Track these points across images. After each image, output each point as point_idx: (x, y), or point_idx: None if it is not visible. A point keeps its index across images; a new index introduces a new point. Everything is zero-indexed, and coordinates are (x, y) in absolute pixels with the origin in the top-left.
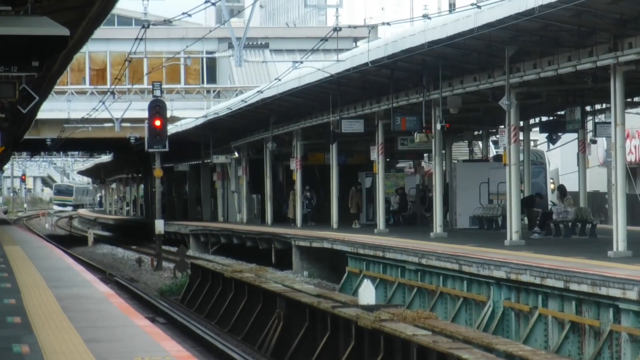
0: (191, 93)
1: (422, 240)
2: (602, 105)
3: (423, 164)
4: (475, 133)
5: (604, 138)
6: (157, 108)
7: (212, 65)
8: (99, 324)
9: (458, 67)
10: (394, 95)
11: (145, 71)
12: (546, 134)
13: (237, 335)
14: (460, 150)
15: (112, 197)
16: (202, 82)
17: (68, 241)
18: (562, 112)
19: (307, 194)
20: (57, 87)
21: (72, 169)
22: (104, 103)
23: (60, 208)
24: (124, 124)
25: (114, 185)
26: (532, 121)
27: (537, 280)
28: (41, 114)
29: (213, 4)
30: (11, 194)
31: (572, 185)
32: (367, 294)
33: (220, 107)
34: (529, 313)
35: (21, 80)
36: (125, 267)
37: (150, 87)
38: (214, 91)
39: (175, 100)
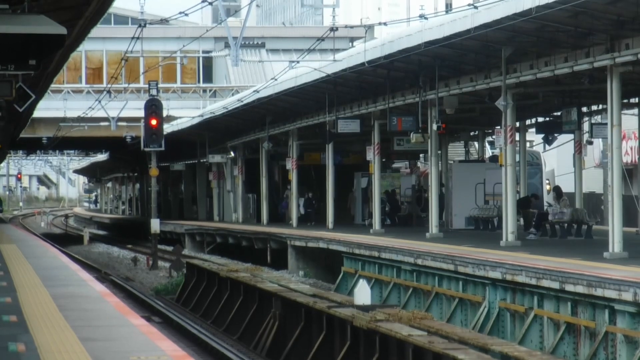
0: (187, 92)
1: (417, 241)
2: (598, 106)
3: (419, 164)
4: (472, 133)
5: (600, 139)
6: (153, 107)
7: (208, 65)
8: (95, 323)
9: (454, 68)
10: (390, 95)
11: (141, 70)
12: (542, 135)
13: (232, 335)
14: (456, 150)
15: (107, 196)
16: (199, 82)
17: (64, 240)
18: (559, 113)
19: (309, 194)
20: (53, 86)
21: (67, 168)
22: (100, 102)
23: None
24: (120, 123)
25: (109, 184)
26: (528, 122)
27: (533, 281)
28: (37, 113)
29: (210, 3)
30: (7, 193)
31: (568, 186)
32: (363, 294)
33: (217, 107)
34: (524, 314)
35: (18, 78)
36: (121, 266)
37: (147, 86)
38: (210, 90)
39: (172, 100)
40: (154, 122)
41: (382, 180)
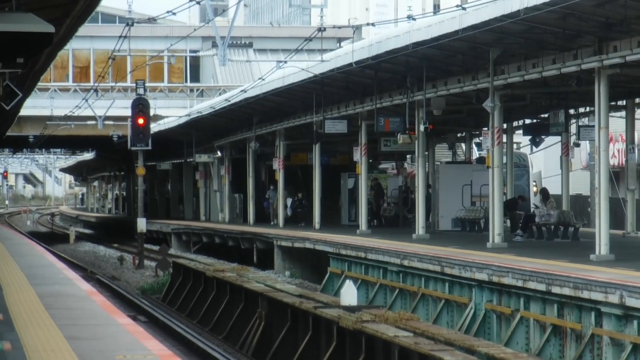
0: (174, 92)
1: (404, 242)
2: (586, 109)
3: (406, 165)
4: (459, 135)
5: (588, 141)
6: (140, 106)
7: (195, 64)
8: (81, 322)
9: (442, 69)
10: (377, 96)
11: (128, 69)
12: (530, 137)
13: (218, 335)
14: (443, 152)
15: (94, 194)
16: (186, 81)
17: (50, 238)
18: (546, 115)
19: (299, 194)
20: (40, 84)
21: (54, 166)
22: (87, 100)
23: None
24: (107, 122)
25: (96, 183)
26: (515, 123)
27: (519, 283)
28: (24, 111)
29: (197, 2)
30: None
31: (555, 188)
32: (349, 294)
33: (204, 106)
34: (510, 315)
35: (5, 76)
36: (107, 265)
37: (134, 85)
38: (197, 90)
39: (159, 99)
40: (140, 121)
41: (382, 181)
